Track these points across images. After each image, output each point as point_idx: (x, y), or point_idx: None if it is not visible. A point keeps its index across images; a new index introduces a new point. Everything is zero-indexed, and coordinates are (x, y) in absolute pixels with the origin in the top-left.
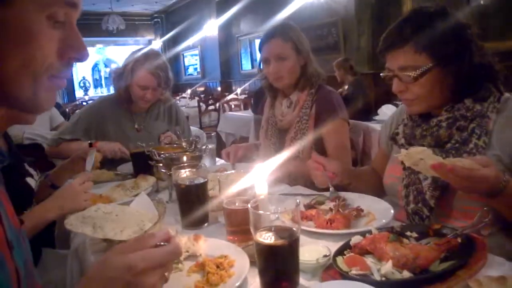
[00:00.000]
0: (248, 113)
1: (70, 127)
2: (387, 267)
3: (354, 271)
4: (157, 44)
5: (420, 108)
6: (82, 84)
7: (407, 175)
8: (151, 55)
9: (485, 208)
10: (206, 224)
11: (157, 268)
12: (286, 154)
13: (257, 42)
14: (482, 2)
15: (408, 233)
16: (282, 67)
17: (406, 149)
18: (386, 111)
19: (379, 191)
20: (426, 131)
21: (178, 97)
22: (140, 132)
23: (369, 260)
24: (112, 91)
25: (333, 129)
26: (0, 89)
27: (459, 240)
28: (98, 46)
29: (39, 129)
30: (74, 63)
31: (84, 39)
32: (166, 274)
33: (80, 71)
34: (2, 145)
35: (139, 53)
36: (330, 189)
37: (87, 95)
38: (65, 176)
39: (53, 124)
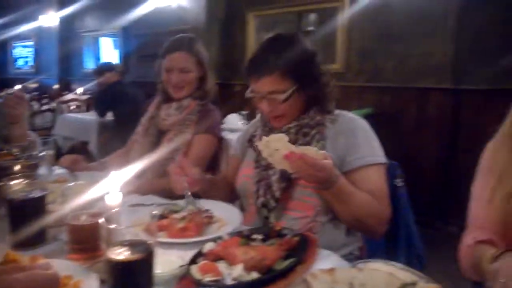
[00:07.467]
0: (91, 115)
1: None
2: (238, 270)
3: (207, 278)
4: None
5: (286, 121)
6: None
7: (258, 172)
8: None
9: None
10: (42, 244)
11: None
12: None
13: (103, 40)
14: None
15: (255, 236)
16: (185, 78)
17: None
18: (232, 119)
19: (232, 197)
20: None
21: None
22: None
23: (222, 266)
24: None
25: (202, 139)
26: None
27: (296, 238)
28: None
29: None
30: None
31: None
32: None
33: None
34: None
35: None
36: (186, 195)
37: None
38: None
39: None
